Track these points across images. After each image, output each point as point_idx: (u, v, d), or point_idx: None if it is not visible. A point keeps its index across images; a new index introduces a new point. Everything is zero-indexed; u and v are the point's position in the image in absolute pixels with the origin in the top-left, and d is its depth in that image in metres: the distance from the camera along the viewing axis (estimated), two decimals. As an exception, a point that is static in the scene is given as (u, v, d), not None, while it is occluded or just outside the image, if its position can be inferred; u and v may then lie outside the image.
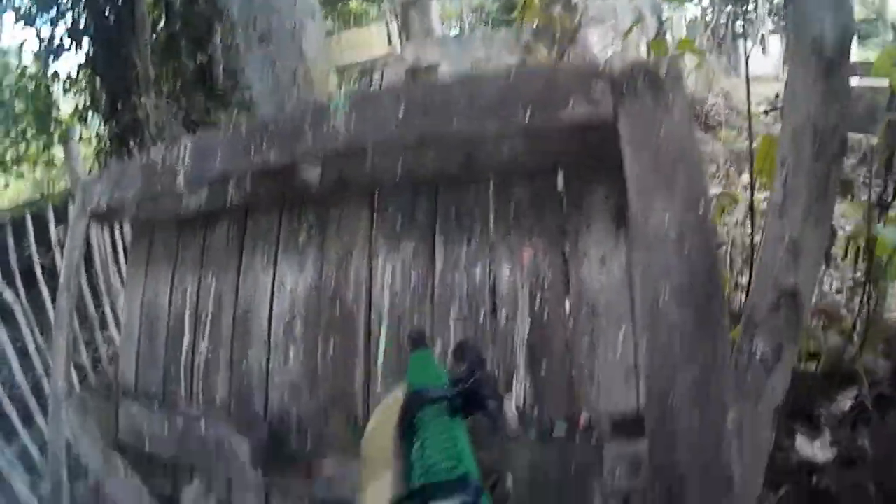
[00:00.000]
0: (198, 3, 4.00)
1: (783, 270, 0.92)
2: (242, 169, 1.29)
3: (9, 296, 2.78)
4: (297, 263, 1.31)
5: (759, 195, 1.56)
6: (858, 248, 1.59)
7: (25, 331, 2.75)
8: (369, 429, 0.55)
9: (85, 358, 2.99)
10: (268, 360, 1.32)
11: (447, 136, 1.07)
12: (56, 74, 5.02)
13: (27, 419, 2.61)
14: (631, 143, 0.90)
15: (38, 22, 4.74)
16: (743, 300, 1.07)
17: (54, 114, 5.26)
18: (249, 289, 1.39)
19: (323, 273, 1.27)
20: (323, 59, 1.54)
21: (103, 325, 3.19)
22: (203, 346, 1.46)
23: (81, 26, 4.39)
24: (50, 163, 5.72)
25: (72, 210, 1.89)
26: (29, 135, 5.46)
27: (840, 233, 1.53)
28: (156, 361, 1.57)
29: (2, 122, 5.53)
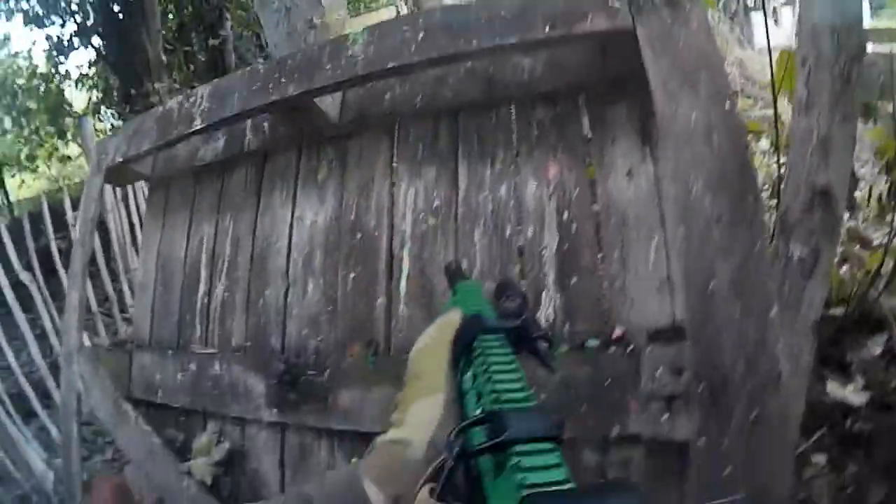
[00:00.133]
0: (207, -12, 4.10)
1: (814, 169, 0.90)
2: (261, 106, 1.28)
3: (25, 277, 2.79)
4: (317, 197, 1.30)
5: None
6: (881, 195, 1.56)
7: (43, 314, 2.77)
8: (420, 346, 0.52)
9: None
10: (286, 296, 1.29)
11: (467, 55, 1.06)
12: (67, 73, 5.12)
13: (45, 399, 2.61)
14: (652, 50, 0.90)
15: (46, 23, 4.84)
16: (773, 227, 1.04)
17: (66, 111, 5.35)
18: (267, 227, 1.37)
19: (343, 203, 1.25)
20: (338, 5, 1.55)
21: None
22: (219, 289, 1.44)
23: (90, 24, 4.48)
24: (65, 159, 5.80)
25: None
26: (42, 132, 5.55)
27: (862, 171, 1.51)
28: (170, 310, 1.55)
29: (15, 122, 5.62)
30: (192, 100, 1.41)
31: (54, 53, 4.99)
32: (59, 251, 3.10)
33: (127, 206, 3.30)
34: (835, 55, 0.90)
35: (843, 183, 0.90)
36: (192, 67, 4.33)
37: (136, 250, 3.19)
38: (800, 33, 0.97)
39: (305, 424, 1.18)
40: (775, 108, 1.13)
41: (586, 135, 1.07)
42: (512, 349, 0.49)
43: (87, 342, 2.56)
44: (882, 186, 1.50)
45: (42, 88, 5.50)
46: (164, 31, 4.32)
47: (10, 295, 2.70)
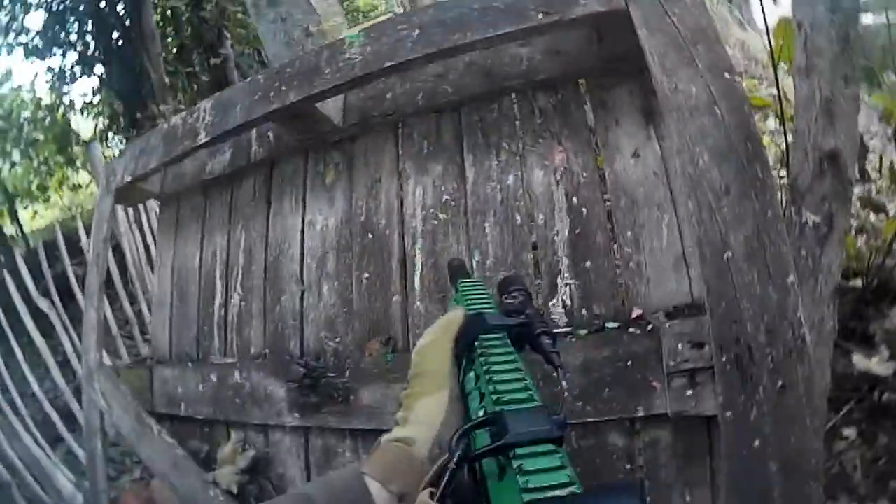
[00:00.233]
0: (205, 10, 4.15)
1: (820, 134, 0.89)
2: (263, 115, 1.30)
3: (44, 304, 2.84)
4: (327, 200, 1.31)
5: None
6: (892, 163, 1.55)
7: (64, 339, 2.81)
8: (423, 343, 0.52)
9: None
10: (301, 300, 1.30)
11: (464, 48, 1.06)
12: (72, 103, 5.23)
13: (71, 423, 2.65)
14: (647, 28, 0.90)
15: (47, 54, 4.93)
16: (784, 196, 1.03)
17: (73, 139, 5.45)
18: (279, 234, 1.38)
19: (353, 204, 1.26)
20: (334, 12, 1.57)
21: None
22: (235, 299, 1.45)
23: (90, 52, 4.57)
24: (76, 187, 5.90)
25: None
26: (52, 162, 5.65)
27: (872, 142, 1.49)
28: (188, 323, 1.57)
29: (24, 154, 5.74)
30: (195, 114, 1.43)
31: (57, 84, 5.12)
32: (76, 277, 3.14)
33: (140, 229, 3.35)
34: (830, 17, 0.89)
35: (851, 145, 0.89)
36: (195, 87, 4.40)
37: (152, 271, 3.23)
38: (795, -1, 0.96)
39: (328, 426, 1.18)
40: (776, 75, 1.12)
41: (589, 119, 1.07)
42: (515, 347, 0.49)
43: (108, 363, 2.61)
44: (893, 155, 1.49)
45: (48, 119, 5.62)
46: (164, 54, 4.41)
47: (29, 323, 2.75)
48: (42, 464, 2.36)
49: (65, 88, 5.09)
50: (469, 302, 0.58)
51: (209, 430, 1.47)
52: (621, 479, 0.94)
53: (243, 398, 1.33)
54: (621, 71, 1.06)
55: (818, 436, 0.79)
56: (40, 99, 5.67)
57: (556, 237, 1.03)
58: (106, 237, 1.72)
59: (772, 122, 2.04)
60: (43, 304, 2.86)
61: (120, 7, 4.44)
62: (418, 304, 1.13)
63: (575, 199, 1.04)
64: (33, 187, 5.93)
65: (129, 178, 1.62)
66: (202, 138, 1.38)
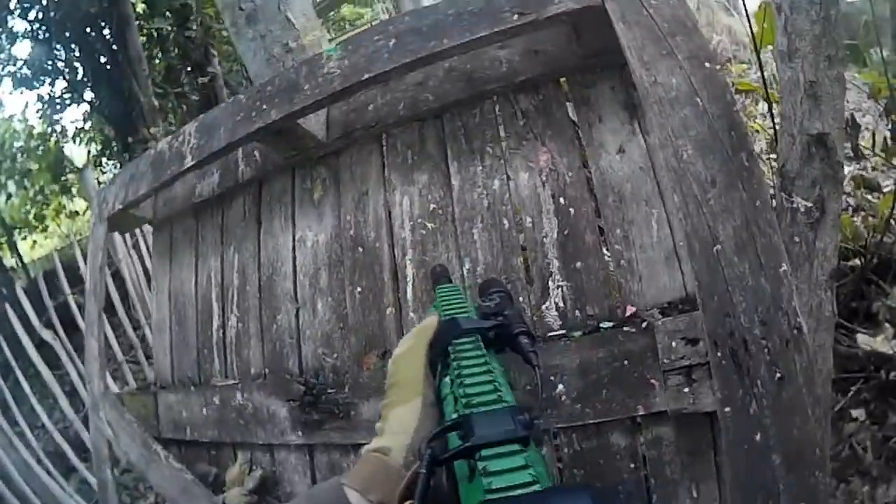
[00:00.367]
0: (191, 29, 4.16)
1: (807, 117, 0.88)
2: (246, 135, 1.29)
3: (47, 335, 2.85)
4: (316, 216, 1.31)
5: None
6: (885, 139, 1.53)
7: (70, 369, 2.82)
8: (398, 353, 0.53)
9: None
10: (297, 318, 1.30)
11: (441, 55, 1.06)
12: (64, 130, 5.24)
13: (83, 452, 2.66)
14: (624, 22, 0.89)
15: (36, 84, 4.95)
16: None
17: (67, 166, 5.47)
18: (271, 253, 1.38)
19: (341, 219, 1.26)
20: (312, 26, 1.57)
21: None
22: (232, 320, 1.45)
23: (79, 79, 4.58)
24: (73, 214, 5.94)
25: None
26: (47, 191, 5.69)
27: (864, 119, 1.47)
28: (188, 347, 1.57)
29: (19, 185, 5.77)
30: (180, 138, 1.43)
31: (48, 112, 5.14)
32: (78, 306, 3.16)
33: (139, 254, 3.36)
34: (810, -2, 0.88)
35: (838, 127, 0.88)
36: (185, 108, 4.40)
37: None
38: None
39: (332, 442, 1.18)
40: (759, 59, 1.11)
41: (572, 118, 1.06)
42: (490, 349, 0.51)
43: (115, 390, 2.62)
44: (885, 132, 1.47)
45: (41, 148, 5.64)
46: (152, 76, 4.41)
47: (34, 355, 2.76)
48: (55, 494, 2.37)
49: (56, 116, 5.12)
50: (444, 307, 0.59)
51: (216, 453, 1.48)
52: (575, 482, 0.94)
53: (247, 419, 1.33)
54: (602, 67, 1.05)
55: (821, 425, 0.78)
56: (32, 128, 5.70)
57: (545, 239, 1.03)
58: (102, 265, 1.72)
59: (763, 106, 2.02)
60: (46, 335, 2.88)
61: (106, 32, 4.45)
62: (412, 315, 1.12)
63: (562, 200, 1.03)
64: (30, 217, 5.97)
65: (120, 206, 1.63)
66: (188, 162, 1.38)
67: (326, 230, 1.28)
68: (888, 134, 1.49)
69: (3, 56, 4.86)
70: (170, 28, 4.35)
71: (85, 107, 5.04)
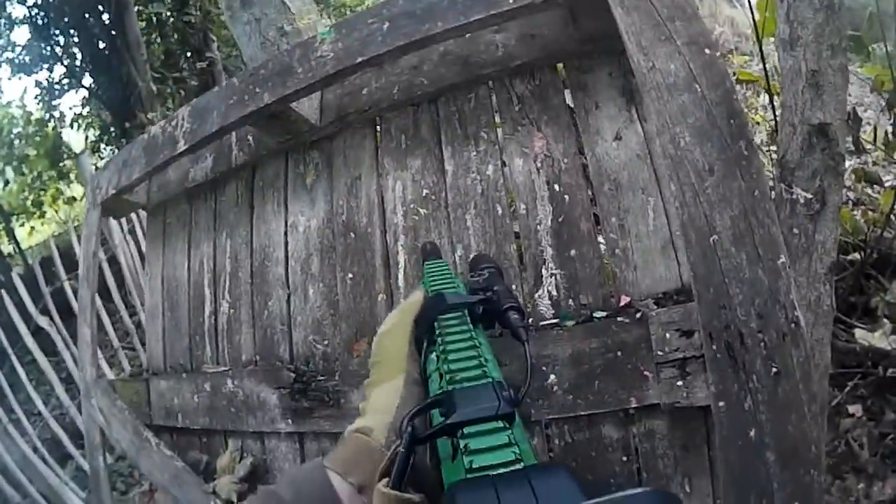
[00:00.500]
0: (190, 14, 4.12)
1: (808, 107, 0.86)
2: (239, 118, 1.27)
3: (43, 322, 2.85)
4: (308, 201, 1.29)
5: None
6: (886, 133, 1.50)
7: (66, 356, 2.82)
8: (382, 330, 0.52)
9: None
10: (288, 304, 1.28)
11: (435, 38, 1.03)
12: (62, 116, 5.21)
13: (79, 440, 2.66)
14: (622, 7, 0.87)
15: (34, 69, 4.92)
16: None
17: (65, 152, 5.45)
18: (263, 238, 1.36)
19: (333, 204, 1.24)
20: (308, 10, 1.54)
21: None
22: (224, 306, 1.44)
23: (78, 64, 4.55)
24: (71, 200, 5.93)
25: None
26: (45, 177, 5.67)
27: (867, 114, 1.44)
28: (181, 333, 1.55)
29: (17, 171, 5.76)
30: (174, 122, 1.41)
31: (47, 98, 5.10)
32: (74, 292, 3.14)
33: (136, 240, 3.34)
34: (814, -17, 0.85)
35: (840, 117, 0.86)
36: (183, 93, 4.37)
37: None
38: (777, -32, 0.92)
39: (322, 430, 1.17)
40: (760, 48, 1.08)
41: (569, 104, 1.04)
42: (477, 325, 0.49)
43: (111, 377, 2.62)
44: (886, 126, 1.44)
45: (38, 134, 5.61)
46: (151, 61, 4.37)
47: (30, 341, 2.76)
48: (51, 482, 2.37)
49: (54, 102, 5.08)
50: (431, 283, 0.57)
51: (207, 441, 1.47)
52: (550, 461, 0.92)
53: (238, 406, 1.32)
54: (600, 52, 1.02)
55: (818, 422, 0.76)
56: (30, 113, 5.67)
57: (538, 226, 1.00)
58: (95, 251, 1.70)
59: (765, 98, 1.99)
60: (42, 321, 2.87)
61: (105, 17, 4.40)
62: (403, 301, 1.10)
63: (557, 187, 1.01)
64: (28, 203, 5.96)
65: (113, 191, 1.61)
66: (181, 146, 1.36)
67: (319, 215, 1.26)
68: (890, 129, 1.46)
69: (1, 42, 4.82)
70: (168, 13, 4.31)
71: (83, 92, 5.01)
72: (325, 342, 1.21)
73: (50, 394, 2.95)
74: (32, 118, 5.61)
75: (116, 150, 4.80)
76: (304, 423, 1.19)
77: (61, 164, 5.50)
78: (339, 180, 1.24)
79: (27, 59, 4.77)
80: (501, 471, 0.27)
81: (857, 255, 1.44)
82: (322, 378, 1.17)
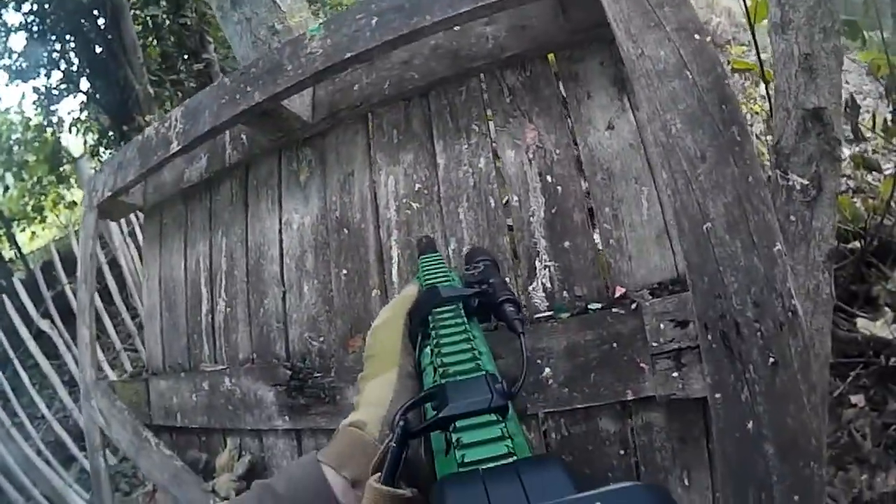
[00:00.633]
0: (186, 16, 4.11)
1: (802, 90, 0.84)
2: (231, 117, 1.26)
3: (45, 325, 2.86)
4: (302, 199, 1.28)
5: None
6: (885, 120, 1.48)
7: (68, 359, 2.83)
8: (376, 324, 0.51)
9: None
10: (284, 301, 1.28)
11: (424, 31, 1.02)
12: (60, 121, 5.22)
13: (82, 442, 2.67)
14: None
15: (32, 75, 4.92)
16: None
17: (64, 157, 5.47)
18: (258, 236, 1.36)
19: (327, 201, 1.23)
20: (299, 7, 1.53)
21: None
22: (221, 305, 1.43)
23: (75, 69, 4.55)
24: (71, 205, 5.95)
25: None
26: (45, 182, 5.70)
27: (866, 102, 1.42)
28: (178, 333, 1.55)
29: (16, 177, 5.78)
30: (167, 123, 1.41)
31: (44, 103, 5.12)
32: (75, 295, 3.15)
33: (136, 242, 3.35)
34: (806, -34, 0.84)
35: (835, 101, 0.84)
36: (180, 95, 4.37)
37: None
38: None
39: (319, 427, 1.16)
40: (753, 33, 1.06)
41: (560, 94, 1.03)
42: (472, 318, 0.49)
43: (114, 378, 2.63)
44: (885, 113, 1.42)
45: (37, 140, 5.62)
46: (148, 64, 4.37)
47: (32, 345, 2.77)
48: (55, 484, 2.38)
49: (52, 107, 5.09)
50: (426, 276, 0.57)
51: (206, 439, 1.47)
52: (542, 453, 0.91)
53: (235, 404, 1.32)
54: (590, 41, 1.01)
55: (817, 413, 0.75)
56: (29, 119, 5.69)
57: (531, 218, 0.99)
58: (93, 253, 1.70)
59: (764, 88, 1.97)
60: (44, 325, 2.88)
61: (100, 21, 4.40)
62: (397, 295, 1.10)
63: (549, 178, 1.00)
64: (29, 209, 5.98)
65: (109, 193, 1.60)
66: (175, 147, 1.36)
67: (312, 212, 1.25)
68: (889, 116, 1.44)
69: (-1, 49, 4.83)
70: (164, 15, 4.30)
71: (81, 97, 5.02)
72: (321, 339, 1.20)
73: (53, 397, 2.96)
74: (31, 124, 5.63)
75: (115, 150, 4.81)
76: (300, 420, 1.19)
77: (61, 169, 5.52)
78: (332, 177, 1.24)
79: (24, 65, 4.78)
80: (493, 465, 0.26)
81: (857, 244, 1.42)
82: (318, 375, 1.16)
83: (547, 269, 0.97)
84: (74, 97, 4.82)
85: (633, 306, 0.88)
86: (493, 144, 1.06)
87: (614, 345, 0.88)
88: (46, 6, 4.33)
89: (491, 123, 1.07)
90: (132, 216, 3.18)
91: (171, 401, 1.50)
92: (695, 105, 0.77)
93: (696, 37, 0.80)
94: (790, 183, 0.86)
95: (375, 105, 1.20)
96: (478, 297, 0.50)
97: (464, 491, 0.24)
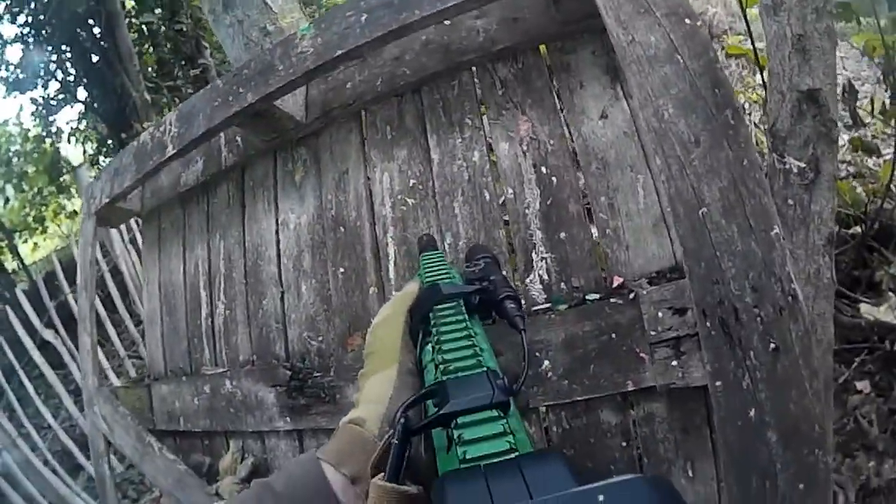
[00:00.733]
0: (181, 22, 4.12)
1: (796, 72, 0.83)
2: (225, 119, 1.26)
3: (49, 335, 2.87)
4: (297, 198, 1.28)
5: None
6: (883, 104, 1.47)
7: (73, 368, 2.84)
8: (376, 321, 0.51)
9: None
10: (282, 302, 1.28)
11: (413, 26, 1.01)
12: (59, 131, 5.25)
13: (88, 450, 2.68)
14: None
15: (29, 87, 4.94)
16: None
17: (64, 167, 5.49)
18: (255, 237, 1.36)
19: (322, 200, 1.23)
20: (291, 8, 1.53)
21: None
22: (220, 308, 1.43)
23: (72, 79, 4.57)
24: (73, 214, 5.98)
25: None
26: (46, 192, 5.72)
27: (864, 88, 1.41)
28: (179, 337, 1.55)
29: (17, 188, 5.80)
30: (162, 128, 1.41)
31: (43, 114, 5.14)
32: (77, 303, 3.16)
33: (137, 249, 3.36)
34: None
35: (829, 82, 0.83)
36: (177, 101, 4.38)
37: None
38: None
39: (319, 427, 1.16)
40: (745, 16, 1.05)
41: (553, 85, 1.02)
42: (473, 315, 0.49)
43: (118, 384, 2.63)
44: (883, 97, 1.41)
45: (37, 151, 5.65)
46: (144, 71, 4.38)
47: (37, 355, 2.78)
48: (62, 493, 2.39)
49: (50, 118, 5.11)
50: (427, 274, 0.57)
51: (209, 443, 1.47)
52: (543, 448, 0.91)
53: (237, 407, 1.32)
54: (582, 31, 1.01)
55: (821, 399, 0.73)
56: (27, 130, 5.72)
57: (527, 210, 0.99)
58: (92, 260, 1.70)
59: (760, 78, 1.96)
60: (48, 334, 2.89)
61: (96, 30, 4.42)
62: (395, 293, 1.09)
63: (544, 169, 0.99)
64: (30, 220, 6.01)
65: (107, 200, 1.60)
66: (170, 151, 1.36)
67: (308, 212, 1.25)
68: (887, 100, 1.43)
69: (-5, 62, 4.85)
70: (159, 22, 4.31)
71: (79, 106, 5.04)
72: (320, 338, 1.20)
73: (59, 406, 2.97)
74: (30, 135, 5.65)
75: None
76: (301, 420, 1.18)
77: (61, 179, 5.54)
78: (326, 175, 1.23)
79: (21, 76, 4.80)
80: (494, 460, 0.26)
81: (858, 228, 1.41)
82: (318, 374, 1.16)
83: (544, 261, 0.97)
84: (72, 107, 4.84)
85: (631, 296, 0.87)
86: (487, 138, 1.05)
87: (613, 335, 0.87)
88: (42, 17, 4.35)
89: (484, 117, 1.07)
90: (132, 223, 3.19)
91: (174, 405, 1.50)
92: (687, 89, 0.77)
93: (687, 21, 0.80)
94: (787, 166, 0.85)
95: (368, 102, 1.20)
96: (479, 294, 0.51)
97: (466, 487, 0.24)
